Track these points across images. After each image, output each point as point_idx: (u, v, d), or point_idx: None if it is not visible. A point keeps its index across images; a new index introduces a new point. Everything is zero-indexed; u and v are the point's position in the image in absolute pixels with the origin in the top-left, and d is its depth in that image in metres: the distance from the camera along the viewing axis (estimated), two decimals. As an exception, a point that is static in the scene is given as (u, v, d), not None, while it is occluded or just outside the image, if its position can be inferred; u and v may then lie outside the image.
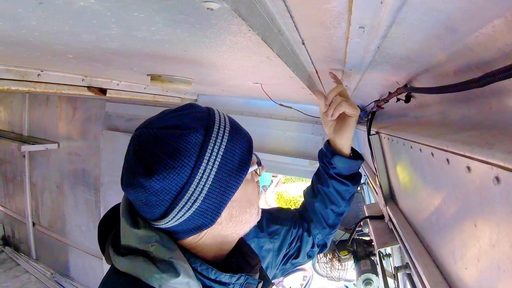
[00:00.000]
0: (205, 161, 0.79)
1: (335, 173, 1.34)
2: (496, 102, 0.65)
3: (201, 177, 0.79)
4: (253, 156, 0.93)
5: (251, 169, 0.89)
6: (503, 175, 0.46)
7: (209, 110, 0.88)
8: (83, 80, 2.36)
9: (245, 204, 0.93)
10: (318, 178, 1.43)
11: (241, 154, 0.86)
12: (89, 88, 2.47)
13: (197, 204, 0.80)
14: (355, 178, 1.38)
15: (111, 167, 4.92)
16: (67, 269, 6.03)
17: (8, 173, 6.74)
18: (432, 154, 0.81)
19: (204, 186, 0.79)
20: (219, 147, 0.81)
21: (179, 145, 0.77)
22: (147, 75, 1.88)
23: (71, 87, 2.32)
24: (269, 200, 17.08)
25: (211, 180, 0.80)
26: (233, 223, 0.91)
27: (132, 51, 1.08)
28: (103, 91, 2.58)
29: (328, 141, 1.38)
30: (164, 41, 0.87)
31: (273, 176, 18.96)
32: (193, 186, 0.78)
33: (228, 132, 0.85)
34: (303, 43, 1.04)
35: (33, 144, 5.60)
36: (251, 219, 0.97)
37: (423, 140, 0.88)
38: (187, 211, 0.80)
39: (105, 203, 5.01)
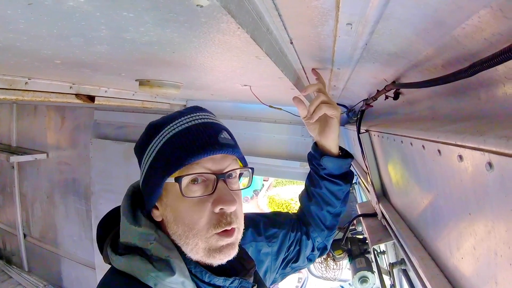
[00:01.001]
0: (146, 151, 0.93)
1: (326, 173, 1.34)
2: (485, 93, 0.66)
3: (146, 161, 0.93)
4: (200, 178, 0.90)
5: (168, 180, 0.87)
6: (495, 160, 0.47)
7: (174, 115, 0.96)
8: (71, 87, 2.34)
9: (176, 217, 0.89)
10: (311, 181, 1.43)
11: (168, 161, 0.88)
12: (77, 95, 2.44)
13: (142, 177, 0.94)
14: (347, 177, 1.37)
15: (101, 175, 4.87)
16: (60, 280, 5.93)
17: (-3, 184, 6.63)
18: (423, 146, 0.81)
19: (144, 168, 0.93)
20: (157, 145, 0.91)
21: (145, 133, 0.97)
22: (136, 80, 1.87)
23: (59, 95, 2.29)
24: (261, 204, 17.06)
25: (146, 168, 0.92)
26: (171, 231, 0.90)
27: (120, 54, 1.07)
28: (91, 98, 2.56)
29: (315, 143, 1.38)
30: (153, 42, 0.87)
31: (264, 180, 18.96)
32: (143, 164, 0.95)
33: (169, 137, 0.90)
34: (291, 42, 1.05)
35: (22, 155, 5.52)
36: (189, 242, 0.88)
37: (414, 133, 0.89)
38: (141, 176, 0.95)
39: (97, 212, 4.94)
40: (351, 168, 1.42)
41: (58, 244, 5.83)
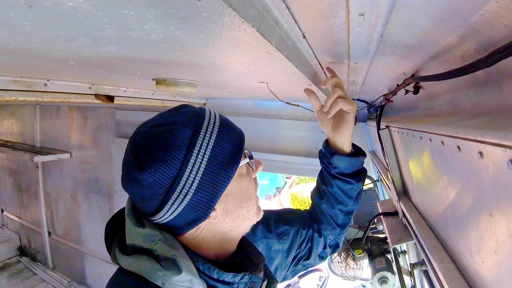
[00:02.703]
0: (194, 154, 0.81)
1: (337, 172, 1.31)
2: (507, 85, 0.62)
3: (191, 170, 0.81)
4: (247, 152, 0.97)
5: (242, 163, 0.91)
6: (518, 158, 0.43)
7: (200, 109, 0.91)
8: (90, 88, 2.36)
9: (240, 199, 0.93)
10: (322, 179, 1.40)
11: (231, 148, 0.87)
12: (97, 96, 2.46)
13: (188, 197, 0.81)
14: (359, 175, 1.33)
15: (123, 174, 4.90)
16: (83, 277, 6.06)
17: (23, 184, 6.82)
18: (443, 142, 0.77)
19: (194, 178, 0.81)
20: (209, 140, 0.83)
21: (169, 140, 0.80)
22: (152, 79, 1.87)
23: (78, 96, 2.32)
24: (284, 202, 17.02)
25: (201, 173, 0.82)
26: (230, 218, 0.92)
27: (131, 53, 1.06)
28: (110, 98, 2.58)
29: (326, 140, 1.35)
30: (160, 40, 0.85)
31: (286, 178, 18.91)
32: (184, 179, 0.80)
33: (217, 127, 0.87)
34: (304, 36, 1.02)
35: (45, 155, 5.65)
36: (249, 215, 0.97)
37: (432, 128, 0.85)
38: (179, 204, 0.82)
39: (119, 210, 4.99)
40: (370, 166, 1.39)
41: (81, 242, 5.95)
